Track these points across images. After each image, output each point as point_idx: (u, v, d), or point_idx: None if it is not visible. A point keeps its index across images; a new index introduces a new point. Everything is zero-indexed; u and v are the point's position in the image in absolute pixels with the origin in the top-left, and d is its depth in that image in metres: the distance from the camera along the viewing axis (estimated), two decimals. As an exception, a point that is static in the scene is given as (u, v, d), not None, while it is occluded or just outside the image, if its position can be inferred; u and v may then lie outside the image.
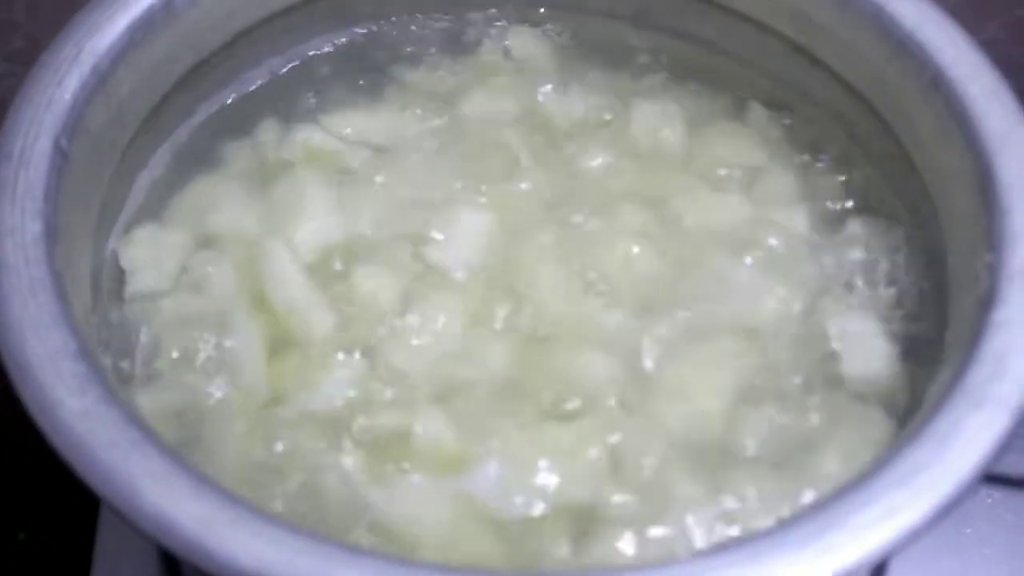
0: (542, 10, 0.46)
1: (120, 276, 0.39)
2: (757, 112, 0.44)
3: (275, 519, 0.27)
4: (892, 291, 0.39)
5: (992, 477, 0.46)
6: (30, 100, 0.35)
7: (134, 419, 0.29)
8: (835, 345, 0.37)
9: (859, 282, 0.39)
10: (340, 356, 0.37)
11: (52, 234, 0.33)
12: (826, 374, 0.37)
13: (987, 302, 0.32)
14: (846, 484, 0.29)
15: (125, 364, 0.37)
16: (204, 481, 0.28)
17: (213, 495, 0.28)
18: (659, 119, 0.43)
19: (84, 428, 0.28)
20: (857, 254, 0.40)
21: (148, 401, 0.36)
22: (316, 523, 0.34)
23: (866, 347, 0.37)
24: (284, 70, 0.45)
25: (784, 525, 0.29)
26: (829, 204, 0.42)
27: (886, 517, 0.28)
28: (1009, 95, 0.35)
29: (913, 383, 0.36)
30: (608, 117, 0.44)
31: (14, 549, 0.50)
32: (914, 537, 0.28)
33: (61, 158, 0.35)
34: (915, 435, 0.30)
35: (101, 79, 0.37)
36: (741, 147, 0.43)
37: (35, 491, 0.50)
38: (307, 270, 0.39)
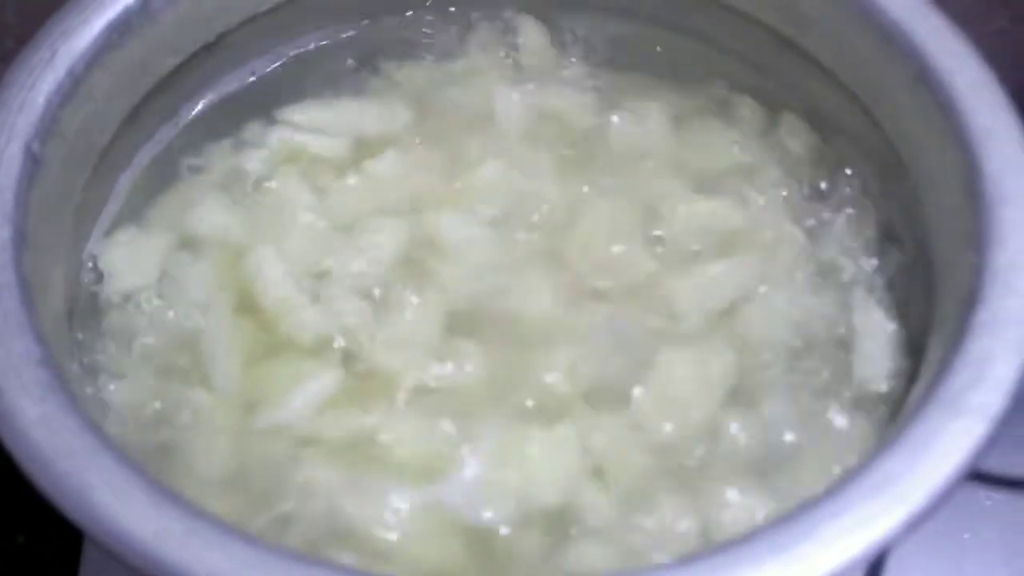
0: (529, 5, 0.46)
1: (99, 279, 0.39)
2: (744, 107, 0.43)
3: (232, 531, 0.27)
4: (882, 291, 0.38)
5: (991, 478, 0.45)
6: (1, 105, 0.35)
7: (93, 428, 0.29)
8: (843, 342, 0.37)
9: (848, 280, 0.38)
10: (318, 360, 0.36)
11: (21, 240, 0.33)
12: (818, 379, 0.36)
13: (969, 303, 0.31)
14: (819, 493, 0.28)
15: (100, 368, 0.37)
16: (161, 491, 0.28)
17: (171, 506, 0.27)
18: (643, 117, 0.42)
19: (41, 436, 0.28)
20: (847, 252, 0.39)
21: (123, 407, 0.36)
22: (289, 531, 0.33)
23: (878, 346, 0.36)
24: (268, 70, 0.45)
25: (756, 534, 0.28)
26: (818, 202, 0.41)
27: (859, 527, 0.28)
28: (996, 88, 0.34)
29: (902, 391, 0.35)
30: (594, 114, 0.43)
31: (13, 552, 0.50)
32: (887, 547, 0.27)
33: (32, 163, 0.34)
34: (892, 443, 0.29)
35: (76, 82, 0.36)
36: (727, 144, 0.42)
37: (34, 494, 0.50)
38: (292, 274, 0.38)
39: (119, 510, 0.27)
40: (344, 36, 0.46)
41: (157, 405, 0.36)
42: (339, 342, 0.37)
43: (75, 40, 0.37)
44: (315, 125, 0.43)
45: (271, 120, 0.43)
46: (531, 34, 0.45)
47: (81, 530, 0.27)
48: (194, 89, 0.43)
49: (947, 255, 0.34)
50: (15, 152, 0.34)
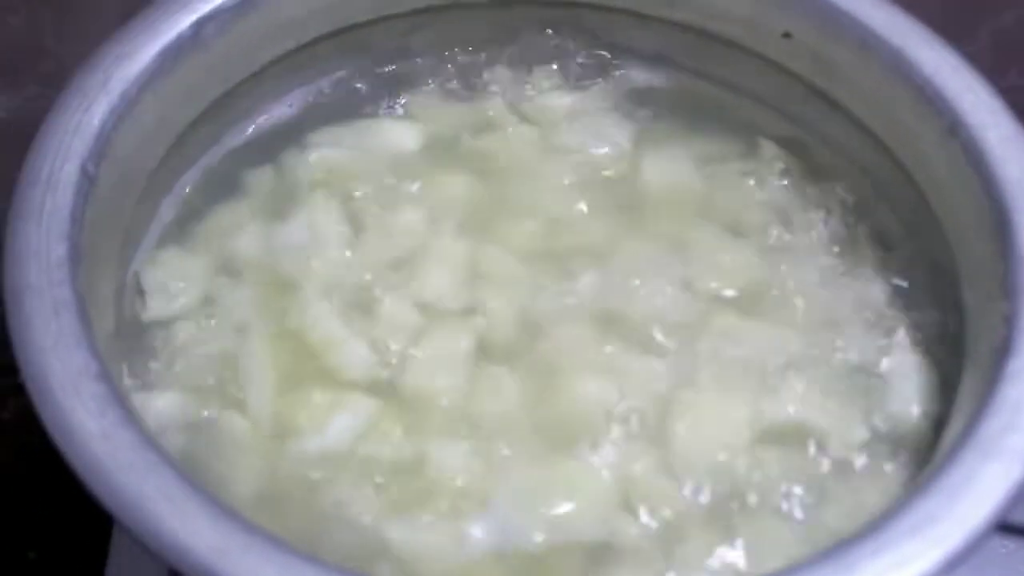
0: (560, 48, 0.47)
1: (142, 299, 0.40)
2: (772, 154, 0.44)
3: (289, 547, 0.28)
4: (913, 336, 0.39)
5: (1007, 527, 0.46)
6: (58, 126, 0.36)
7: (152, 442, 0.30)
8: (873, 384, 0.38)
9: (875, 329, 0.40)
10: (356, 389, 0.37)
11: (76, 256, 0.34)
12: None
13: (1003, 351, 0.32)
14: (856, 533, 0.29)
15: (140, 387, 0.38)
16: (220, 506, 0.28)
17: (228, 521, 0.28)
18: (671, 164, 0.43)
19: (102, 450, 0.29)
20: (875, 300, 0.40)
21: (159, 424, 0.36)
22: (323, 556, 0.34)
23: (910, 390, 0.37)
24: (310, 100, 0.46)
25: (795, 570, 0.29)
26: (848, 248, 0.42)
27: (896, 568, 0.28)
28: (1027, 142, 0.36)
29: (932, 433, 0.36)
30: (623, 163, 0.44)
31: (24, 568, 0.51)
32: (924, 587, 0.28)
33: (88, 182, 0.35)
34: (927, 485, 0.30)
35: (129, 106, 0.37)
36: (757, 192, 0.43)
37: (46, 510, 0.51)
38: (333, 307, 0.39)
39: (178, 523, 0.28)
40: (380, 72, 0.47)
41: (192, 424, 0.37)
42: (378, 372, 0.38)
43: (129, 65, 0.38)
44: (347, 143, 0.44)
45: (305, 146, 0.44)
46: (562, 79, 0.47)
47: (140, 544, 0.28)
48: (238, 116, 0.44)
49: (978, 304, 0.35)
50: (71, 172, 0.35)
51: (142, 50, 0.39)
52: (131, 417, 0.30)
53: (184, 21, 0.39)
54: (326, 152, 0.43)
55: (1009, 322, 0.32)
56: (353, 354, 0.38)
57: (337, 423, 0.37)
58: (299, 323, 0.38)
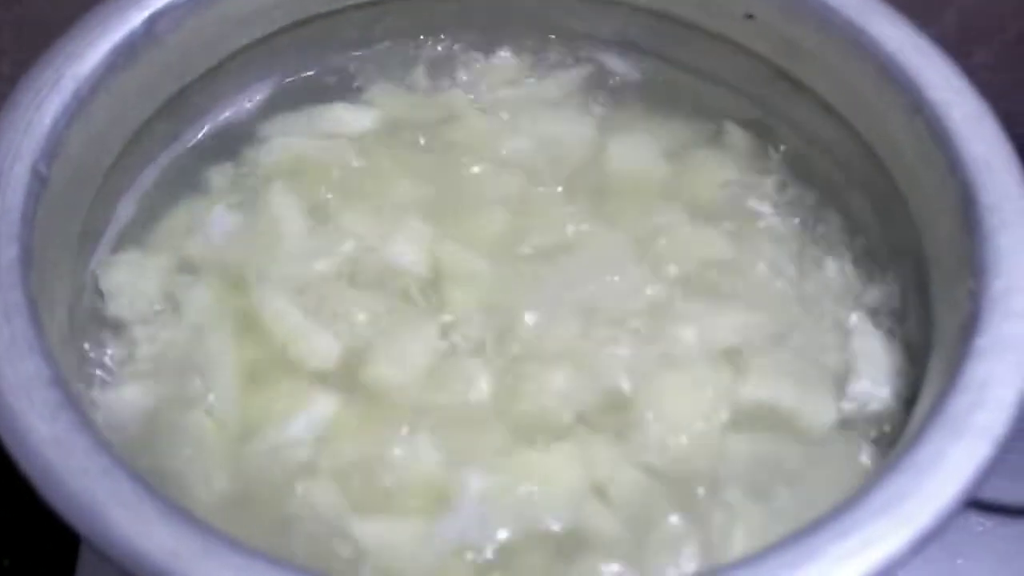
0: (522, 36, 0.47)
1: (102, 300, 0.39)
2: (738, 138, 0.44)
3: (248, 550, 0.27)
4: (880, 316, 0.39)
5: (983, 504, 0.46)
6: (8, 125, 0.35)
7: (106, 447, 0.29)
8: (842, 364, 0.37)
9: (844, 310, 0.39)
10: (321, 384, 0.37)
11: (28, 259, 0.33)
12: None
13: (969, 329, 0.32)
14: (825, 513, 0.29)
15: (97, 389, 0.37)
16: (175, 510, 0.28)
17: (184, 524, 0.28)
18: (636, 150, 0.43)
19: (54, 455, 0.28)
20: (844, 282, 0.40)
21: (119, 426, 0.36)
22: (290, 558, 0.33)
23: (877, 369, 0.37)
24: (269, 94, 0.45)
25: (760, 556, 0.28)
26: (814, 229, 0.42)
27: (864, 548, 0.28)
28: (991, 119, 0.36)
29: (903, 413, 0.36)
30: (587, 150, 0.44)
31: (-1, 576, 0.50)
32: (893, 568, 0.28)
33: (39, 183, 0.35)
34: (895, 464, 0.30)
35: (81, 104, 0.37)
36: (723, 176, 0.43)
37: (20, 518, 0.50)
38: (295, 299, 0.39)
39: (133, 529, 0.27)
40: (345, 62, 0.46)
41: (154, 426, 0.36)
42: (343, 366, 0.37)
43: (80, 63, 0.37)
44: (303, 131, 0.44)
45: (263, 139, 0.43)
46: (524, 66, 0.46)
47: (95, 549, 0.27)
48: (196, 112, 0.43)
49: (944, 282, 0.35)
50: (21, 172, 0.34)
51: (94, 47, 0.38)
52: (84, 422, 0.29)
53: (137, 17, 0.39)
54: (283, 141, 0.43)
55: (975, 299, 0.32)
56: (317, 347, 0.37)
57: (302, 420, 0.36)
58: (260, 318, 0.38)
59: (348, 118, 0.44)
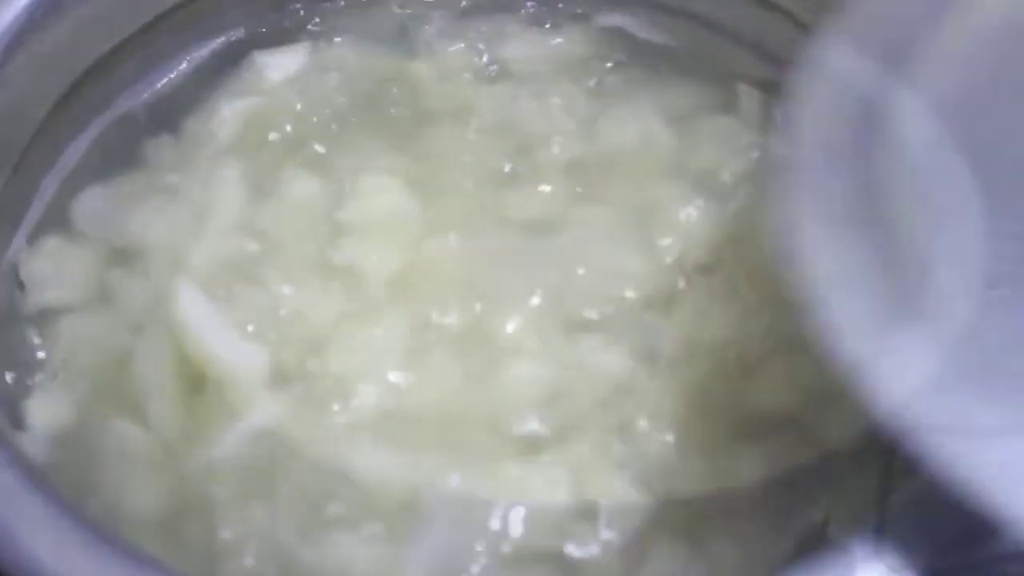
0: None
1: (21, 292, 0.36)
2: (753, 102, 0.40)
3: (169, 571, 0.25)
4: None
5: None
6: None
7: (20, 461, 0.27)
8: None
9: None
10: (265, 389, 0.33)
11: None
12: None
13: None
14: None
15: (19, 394, 0.34)
16: (95, 531, 0.25)
17: (108, 551, 0.25)
18: (635, 119, 0.40)
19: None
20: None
21: (41, 434, 0.33)
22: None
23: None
24: (207, 55, 0.41)
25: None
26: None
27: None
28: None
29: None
30: (580, 118, 0.40)
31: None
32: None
33: (-61, 160, 0.31)
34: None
35: (-6, 66, 0.35)
36: (734, 143, 0.39)
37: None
38: (220, 291, 0.35)
39: (47, 552, 0.24)
40: (288, 22, 0.43)
41: (81, 435, 0.33)
42: (287, 368, 0.34)
43: (-9, 21, 0.36)
44: (251, 93, 0.40)
45: (207, 108, 0.40)
46: (513, 29, 0.43)
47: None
48: (129, 78, 0.40)
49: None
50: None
51: (8, 3, 0.35)
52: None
53: (61, -37, 0.37)
54: (230, 108, 0.39)
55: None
56: (242, 361, 0.34)
57: (243, 430, 0.33)
58: (176, 317, 0.34)
59: (289, 62, 0.40)
